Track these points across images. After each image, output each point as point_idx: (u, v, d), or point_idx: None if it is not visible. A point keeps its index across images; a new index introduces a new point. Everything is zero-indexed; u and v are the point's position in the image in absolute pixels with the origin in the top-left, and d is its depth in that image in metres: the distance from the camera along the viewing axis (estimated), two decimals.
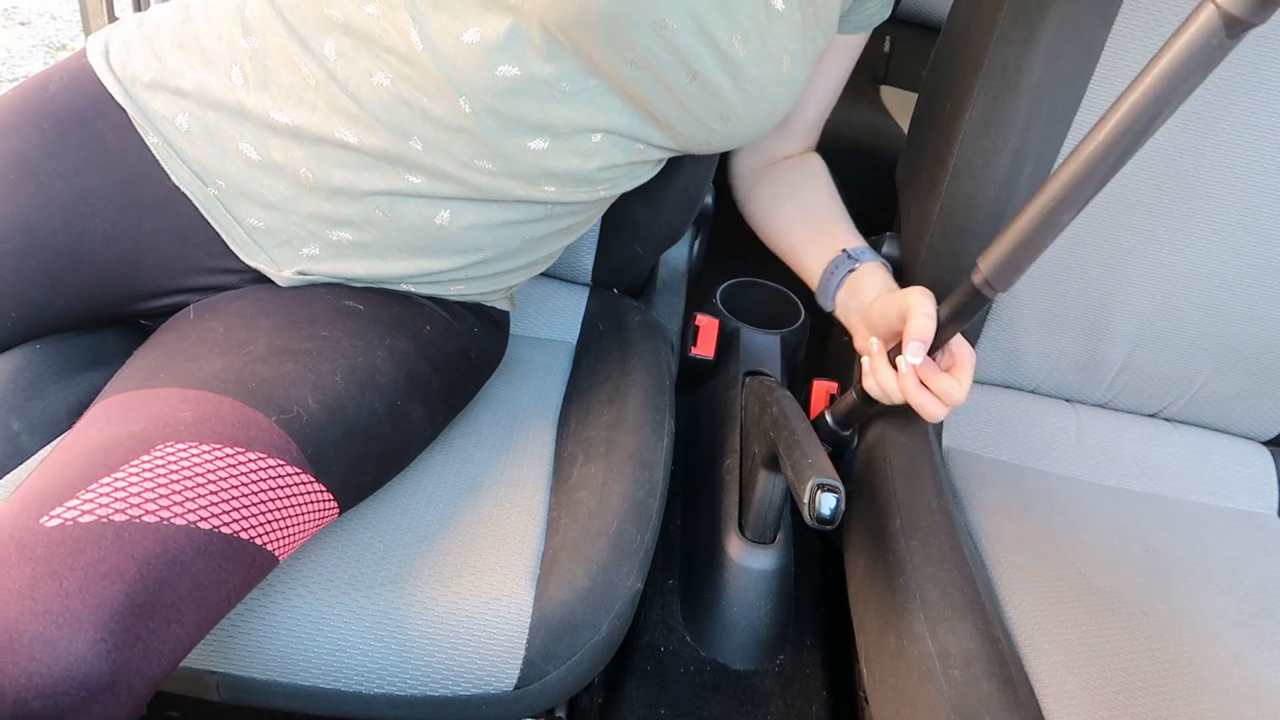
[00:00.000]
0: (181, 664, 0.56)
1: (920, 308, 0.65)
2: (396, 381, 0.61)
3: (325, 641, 0.56)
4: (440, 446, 0.71)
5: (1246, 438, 0.92)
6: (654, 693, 0.90)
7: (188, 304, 0.66)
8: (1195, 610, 0.71)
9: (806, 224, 0.80)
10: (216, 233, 0.64)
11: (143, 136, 0.62)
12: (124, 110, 0.62)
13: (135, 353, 0.62)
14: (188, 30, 0.62)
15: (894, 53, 1.73)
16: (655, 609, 0.98)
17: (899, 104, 1.58)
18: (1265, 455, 0.90)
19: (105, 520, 0.41)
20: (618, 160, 0.65)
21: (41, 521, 0.40)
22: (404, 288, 0.68)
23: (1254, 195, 0.78)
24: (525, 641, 0.58)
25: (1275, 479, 0.89)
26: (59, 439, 0.64)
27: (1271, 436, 0.92)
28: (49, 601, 0.38)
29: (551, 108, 0.59)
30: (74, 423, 0.66)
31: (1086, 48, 0.75)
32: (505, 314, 0.81)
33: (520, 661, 0.58)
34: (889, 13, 0.76)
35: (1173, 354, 0.86)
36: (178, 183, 0.62)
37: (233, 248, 0.64)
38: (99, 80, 0.62)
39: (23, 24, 2.51)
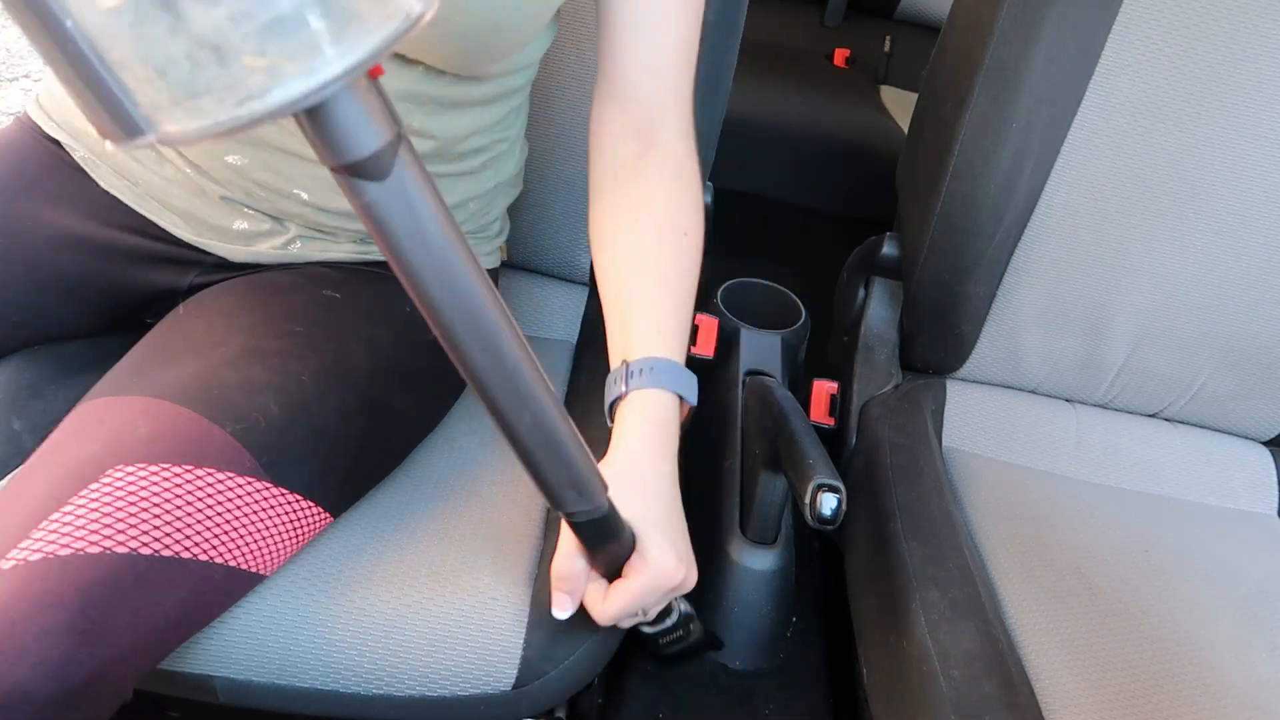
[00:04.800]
0: (181, 668, 0.56)
1: (559, 549, 0.53)
2: (371, 374, 0.61)
3: (323, 643, 0.56)
4: (440, 445, 0.71)
5: (1246, 438, 0.92)
6: (654, 693, 0.90)
7: (202, 284, 0.67)
8: (1195, 610, 0.70)
9: (618, 287, 0.61)
10: (162, 226, 0.66)
11: (70, 154, 0.66)
12: (58, 140, 0.66)
13: (131, 350, 0.63)
14: None
15: (894, 53, 1.73)
16: None
17: (899, 104, 1.58)
18: (1265, 455, 0.90)
19: (52, 556, 0.44)
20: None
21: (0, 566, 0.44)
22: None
23: (1254, 195, 0.78)
24: (523, 641, 0.58)
25: (1275, 479, 0.89)
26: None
27: (1271, 436, 0.92)
28: None
29: None
30: None
31: (1086, 48, 0.75)
32: (493, 274, 0.79)
33: (518, 661, 0.58)
34: None
35: (1173, 354, 0.86)
36: (107, 188, 0.65)
37: (179, 234, 0.66)
38: (35, 123, 0.67)
39: None
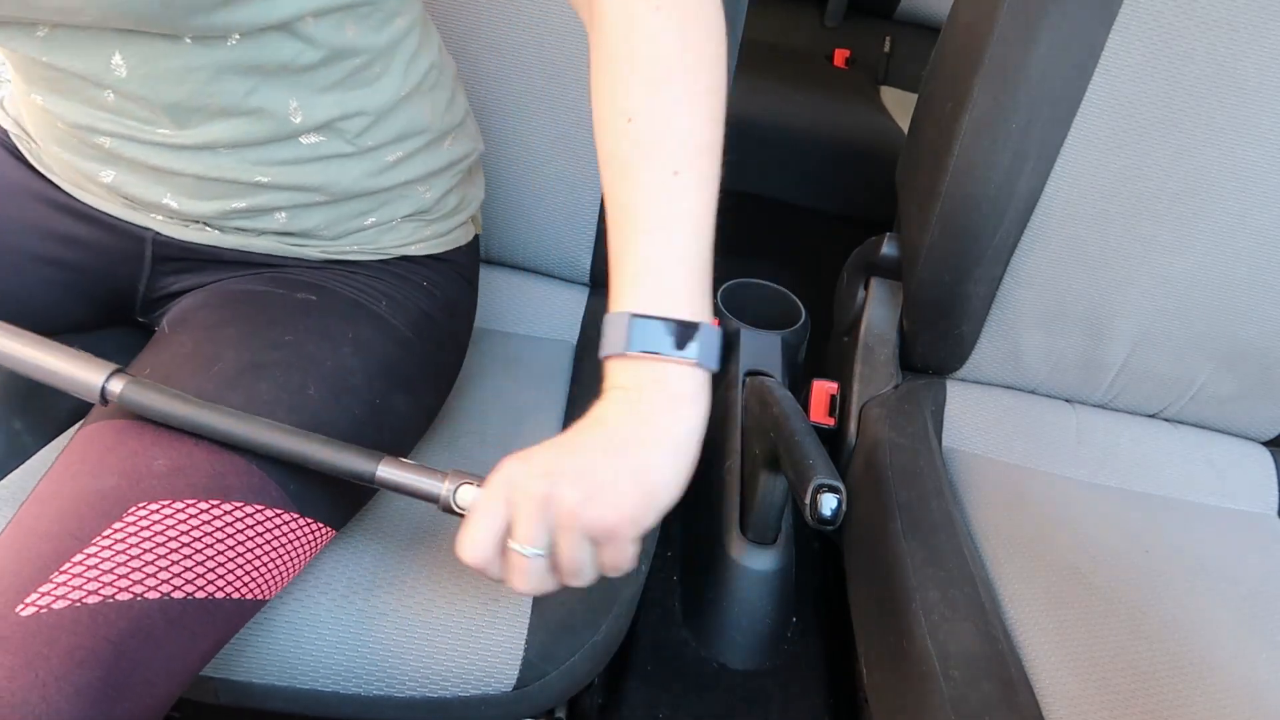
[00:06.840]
0: None
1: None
2: (370, 379, 0.59)
3: (324, 644, 0.56)
4: (443, 446, 0.71)
5: (1246, 438, 0.92)
6: (654, 693, 0.90)
7: (175, 289, 0.64)
8: (1195, 610, 0.71)
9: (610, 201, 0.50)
10: (128, 221, 0.61)
11: (23, 152, 0.62)
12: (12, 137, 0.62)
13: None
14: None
15: (894, 53, 1.73)
16: (655, 609, 0.98)
17: (899, 104, 1.58)
18: (1265, 455, 0.90)
19: (79, 604, 0.41)
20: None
21: (17, 610, 0.40)
22: (320, 253, 0.64)
23: (1254, 196, 0.78)
24: (524, 642, 0.58)
25: (1275, 479, 0.89)
26: (59, 439, 0.64)
27: (1271, 436, 0.92)
28: (26, 693, 0.38)
29: None
30: (74, 422, 0.66)
31: (1086, 48, 0.75)
32: (462, 250, 0.72)
33: (519, 662, 0.58)
34: None
35: (1173, 354, 0.86)
36: (50, 177, 0.61)
37: (140, 222, 0.61)
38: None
39: None
